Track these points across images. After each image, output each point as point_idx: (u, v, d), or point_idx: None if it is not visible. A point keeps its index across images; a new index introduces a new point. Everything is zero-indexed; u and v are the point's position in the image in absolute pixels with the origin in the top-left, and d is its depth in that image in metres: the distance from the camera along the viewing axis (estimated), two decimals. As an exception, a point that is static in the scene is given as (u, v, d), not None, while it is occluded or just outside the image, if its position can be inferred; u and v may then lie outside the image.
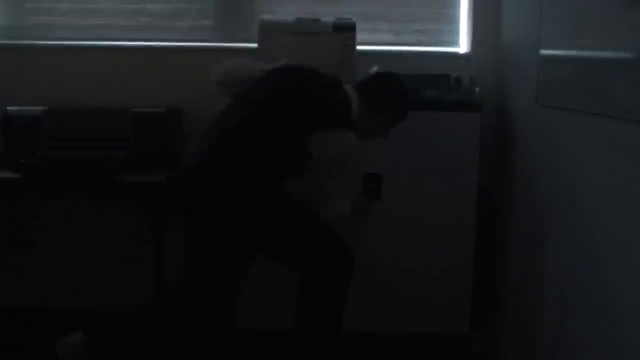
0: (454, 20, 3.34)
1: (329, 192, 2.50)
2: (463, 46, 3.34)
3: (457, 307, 3.02)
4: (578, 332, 2.11)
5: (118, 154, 3.06)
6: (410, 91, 3.01)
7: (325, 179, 2.48)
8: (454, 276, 3.00)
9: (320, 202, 2.51)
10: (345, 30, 3.01)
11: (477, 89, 3.05)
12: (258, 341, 3.01)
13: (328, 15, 3.10)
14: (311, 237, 2.56)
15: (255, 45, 3.08)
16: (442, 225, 2.99)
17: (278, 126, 2.43)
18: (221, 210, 2.41)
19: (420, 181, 2.97)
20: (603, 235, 1.94)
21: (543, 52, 2.48)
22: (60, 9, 3.43)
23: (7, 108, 3.21)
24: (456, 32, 3.35)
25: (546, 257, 2.45)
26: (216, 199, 2.41)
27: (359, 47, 3.05)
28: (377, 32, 3.34)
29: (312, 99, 2.49)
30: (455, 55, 3.33)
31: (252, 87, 2.58)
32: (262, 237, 2.49)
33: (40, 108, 3.17)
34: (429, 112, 2.95)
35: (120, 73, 3.37)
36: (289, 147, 2.42)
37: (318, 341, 2.60)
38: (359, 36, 3.04)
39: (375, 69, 3.06)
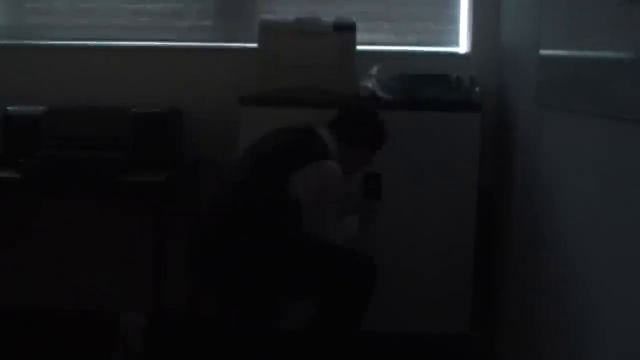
0: (454, 20, 3.34)
1: (332, 223, 2.52)
2: (463, 46, 3.33)
3: (457, 307, 3.02)
4: (578, 332, 2.11)
5: (118, 154, 3.06)
6: (410, 91, 3.03)
7: (321, 213, 2.49)
8: (454, 276, 3.00)
9: (328, 233, 2.53)
10: (345, 30, 3.01)
11: (477, 89, 3.04)
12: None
13: (328, 15, 3.10)
14: (323, 264, 2.55)
15: (255, 45, 3.08)
16: (442, 225, 2.99)
17: (265, 184, 2.48)
18: (231, 273, 2.47)
19: (420, 181, 2.97)
20: (603, 235, 1.94)
21: (543, 52, 2.47)
22: (60, 9, 3.43)
23: (7, 108, 3.21)
24: (456, 32, 3.35)
25: (546, 257, 2.45)
26: (223, 264, 2.47)
27: (359, 47, 3.05)
28: (377, 32, 3.34)
29: (285, 150, 2.54)
30: (455, 55, 3.33)
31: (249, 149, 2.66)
32: (275, 283, 2.51)
33: (40, 108, 3.17)
34: (429, 112, 2.96)
35: (120, 73, 3.37)
36: (278, 199, 2.45)
37: (334, 345, 2.59)
38: (359, 36, 3.04)
39: (375, 69, 3.06)
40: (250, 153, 2.63)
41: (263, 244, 2.45)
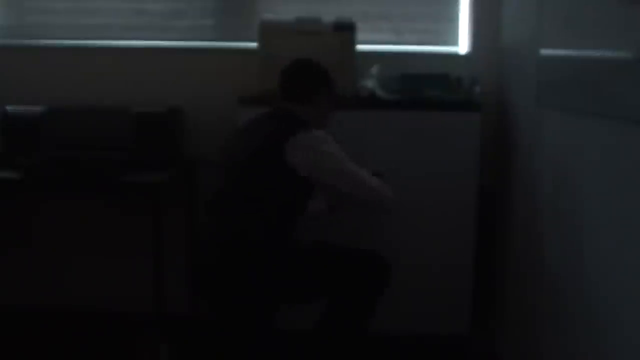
0: (453, 20, 3.34)
1: (356, 169, 2.50)
2: (463, 46, 3.33)
3: (457, 308, 3.02)
4: (578, 332, 2.11)
5: (118, 154, 3.06)
6: (410, 91, 3.03)
7: (338, 164, 2.48)
8: (454, 276, 3.00)
9: (363, 179, 2.51)
10: (345, 30, 3.02)
11: (477, 89, 3.04)
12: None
13: (328, 15, 3.10)
14: (336, 265, 2.54)
15: (255, 44, 3.08)
16: (442, 225, 2.99)
17: (263, 172, 2.47)
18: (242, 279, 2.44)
19: (420, 181, 2.97)
20: (603, 235, 1.94)
21: (543, 52, 2.48)
22: (60, 8, 3.43)
23: (7, 108, 3.21)
24: (456, 32, 3.35)
25: (546, 257, 2.45)
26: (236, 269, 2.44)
27: (359, 47, 3.05)
28: (378, 31, 3.34)
29: (271, 135, 2.52)
30: (455, 55, 3.33)
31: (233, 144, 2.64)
32: (286, 288, 2.50)
33: (40, 108, 3.17)
34: (429, 112, 2.96)
35: (120, 73, 3.37)
36: (281, 183, 2.45)
37: (343, 347, 2.59)
38: (359, 36, 3.05)
39: (375, 69, 3.06)
40: (238, 149, 2.60)
41: (273, 247, 2.43)
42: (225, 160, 2.61)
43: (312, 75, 2.66)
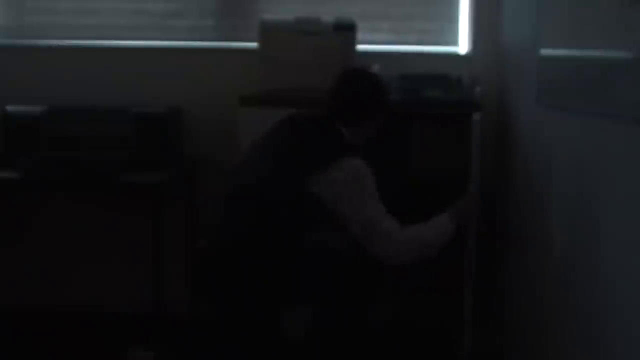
0: (453, 20, 3.34)
1: (376, 221, 2.34)
2: (463, 46, 3.34)
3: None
4: (578, 332, 2.11)
5: (118, 154, 3.06)
6: (410, 91, 3.03)
7: (362, 210, 2.34)
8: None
9: (381, 240, 2.36)
10: (345, 30, 3.02)
11: (477, 89, 3.04)
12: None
13: (328, 15, 3.10)
14: (329, 272, 2.46)
15: (255, 45, 3.08)
16: (442, 225, 2.98)
17: (286, 187, 2.33)
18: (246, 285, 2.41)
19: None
20: (603, 234, 1.94)
21: (543, 52, 2.48)
22: (60, 9, 3.43)
23: (7, 108, 3.21)
24: (456, 32, 3.35)
25: (546, 257, 2.45)
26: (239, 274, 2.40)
27: (359, 47, 3.05)
28: (377, 31, 3.35)
29: (305, 148, 2.38)
30: (455, 55, 3.33)
31: (252, 153, 2.52)
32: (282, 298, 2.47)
33: (40, 108, 3.17)
34: (429, 112, 2.95)
35: (120, 73, 3.37)
36: (301, 202, 2.33)
37: (341, 347, 2.58)
38: (359, 36, 3.05)
39: (375, 68, 3.06)
40: (265, 150, 2.46)
41: (280, 254, 2.38)
42: (249, 158, 2.49)
43: (373, 95, 2.46)
